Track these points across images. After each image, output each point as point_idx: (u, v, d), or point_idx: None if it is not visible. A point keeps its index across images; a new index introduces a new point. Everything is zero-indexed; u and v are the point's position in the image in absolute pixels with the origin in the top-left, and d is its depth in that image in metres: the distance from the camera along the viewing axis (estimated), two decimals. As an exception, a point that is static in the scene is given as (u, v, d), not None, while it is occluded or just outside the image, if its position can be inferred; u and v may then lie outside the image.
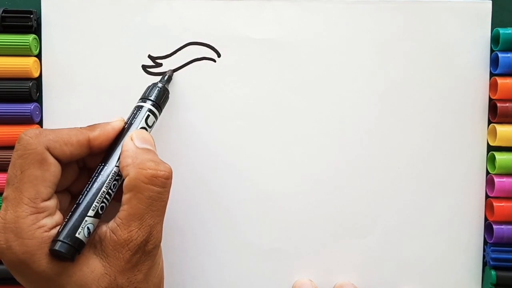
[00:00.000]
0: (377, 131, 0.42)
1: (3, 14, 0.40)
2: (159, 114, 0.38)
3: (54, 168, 0.33)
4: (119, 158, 0.35)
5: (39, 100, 0.41)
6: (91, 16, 0.41)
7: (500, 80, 0.40)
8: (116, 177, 0.34)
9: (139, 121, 0.37)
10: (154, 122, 0.38)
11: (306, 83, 0.41)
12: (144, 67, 0.41)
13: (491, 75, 0.41)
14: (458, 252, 0.42)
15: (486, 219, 0.42)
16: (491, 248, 0.41)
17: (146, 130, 0.37)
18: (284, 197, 0.42)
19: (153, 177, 0.33)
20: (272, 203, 0.42)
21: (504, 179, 0.41)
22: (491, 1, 0.41)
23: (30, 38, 0.40)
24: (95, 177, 0.34)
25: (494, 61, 0.41)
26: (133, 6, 0.41)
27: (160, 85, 0.39)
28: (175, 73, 0.41)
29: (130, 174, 0.33)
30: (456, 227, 0.42)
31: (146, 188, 0.32)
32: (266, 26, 0.41)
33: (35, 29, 0.40)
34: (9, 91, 0.40)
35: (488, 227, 0.42)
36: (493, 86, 0.41)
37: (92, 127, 0.35)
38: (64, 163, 0.34)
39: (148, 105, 0.37)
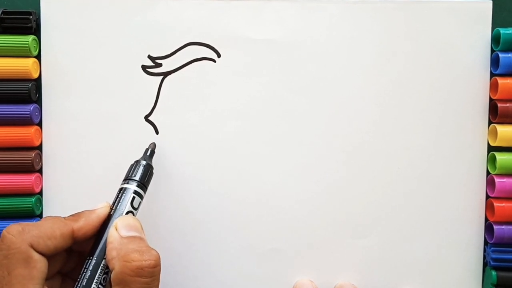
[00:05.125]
0: (377, 131, 0.42)
1: (2, 15, 0.40)
2: (145, 192, 0.37)
3: (40, 264, 0.32)
4: (105, 249, 0.34)
5: (38, 101, 0.41)
6: (90, 16, 0.41)
7: (500, 80, 0.40)
8: (106, 270, 0.34)
9: (125, 205, 0.36)
10: (140, 202, 0.37)
11: (306, 83, 0.41)
12: (144, 67, 0.41)
13: (492, 75, 0.41)
14: (458, 252, 0.42)
15: (486, 219, 0.42)
16: (492, 248, 0.41)
17: (133, 213, 0.36)
18: (284, 197, 0.42)
19: (138, 269, 0.32)
20: (272, 204, 0.42)
21: (504, 180, 0.41)
22: (491, 1, 0.41)
23: (30, 39, 0.40)
24: (84, 273, 0.33)
25: (494, 61, 0.41)
26: (133, 6, 0.41)
27: (143, 162, 0.38)
28: (175, 73, 0.41)
29: (116, 268, 0.32)
30: (456, 227, 0.42)
31: (133, 281, 0.32)
32: (266, 26, 0.41)
33: (35, 30, 0.40)
34: (9, 92, 0.40)
35: (488, 228, 0.42)
36: (493, 86, 0.41)
37: (76, 217, 0.35)
38: (49, 256, 0.33)
39: (133, 186, 0.36)
